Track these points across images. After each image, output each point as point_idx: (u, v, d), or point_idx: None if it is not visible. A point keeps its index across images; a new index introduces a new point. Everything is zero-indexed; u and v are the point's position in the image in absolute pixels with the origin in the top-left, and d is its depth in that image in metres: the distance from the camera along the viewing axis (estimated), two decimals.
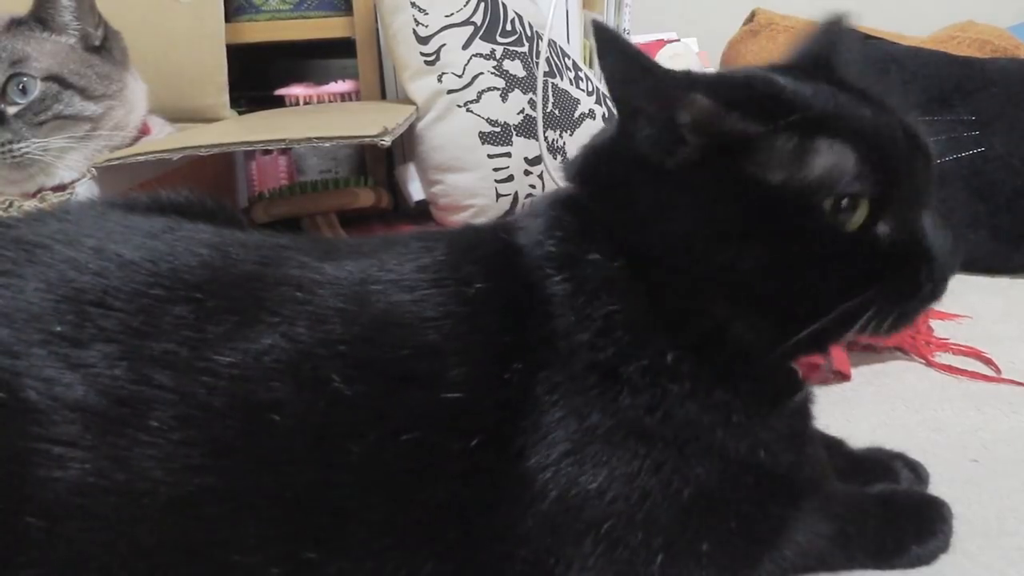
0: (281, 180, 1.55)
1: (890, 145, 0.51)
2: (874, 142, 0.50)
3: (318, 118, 1.32)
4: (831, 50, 0.58)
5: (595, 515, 0.50)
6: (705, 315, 0.52)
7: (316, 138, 0.98)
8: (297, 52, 1.71)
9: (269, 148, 1.29)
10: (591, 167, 0.58)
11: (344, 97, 1.57)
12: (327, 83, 1.58)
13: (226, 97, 1.35)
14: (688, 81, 0.51)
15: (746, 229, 0.50)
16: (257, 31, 1.50)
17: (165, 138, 1.13)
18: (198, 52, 1.34)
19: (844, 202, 0.50)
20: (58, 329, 0.47)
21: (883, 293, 0.50)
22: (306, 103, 1.55)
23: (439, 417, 0.49)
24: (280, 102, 1.57)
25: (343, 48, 1.55)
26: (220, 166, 1.38)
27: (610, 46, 0.51)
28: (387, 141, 0.98)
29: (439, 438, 0.49)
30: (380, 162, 1.61)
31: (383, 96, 1.53)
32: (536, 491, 0.50)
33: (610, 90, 0.53)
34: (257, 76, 1.66)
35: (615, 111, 0.54)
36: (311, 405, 0.47)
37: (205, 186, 0.68)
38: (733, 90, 0.51)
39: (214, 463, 0.46)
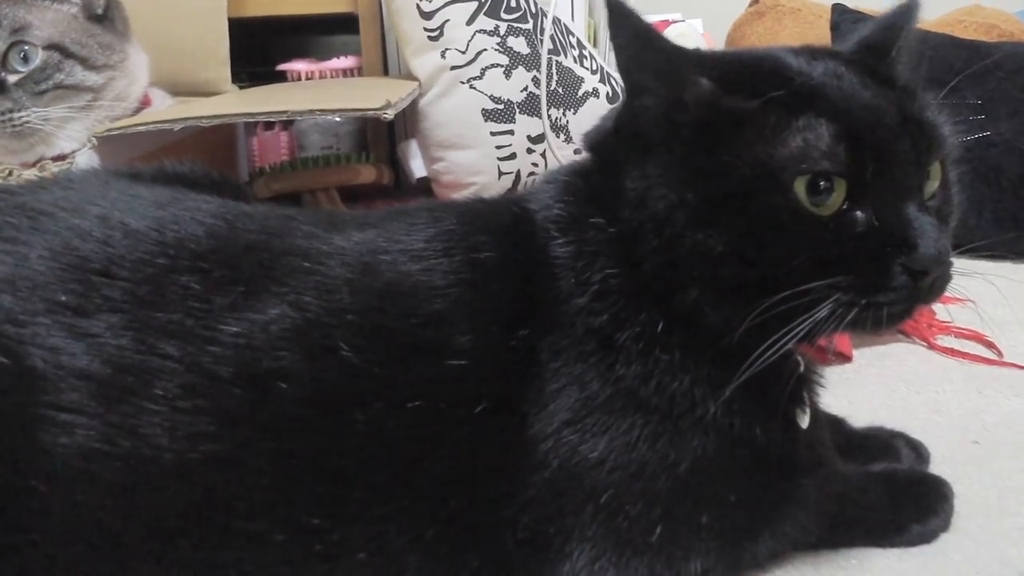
0: (282, 156, 1.55)
1: (877, 128, 0.49)
2: (859, 124, 0.48)
3: (320, 92, 1.31)
4: (894, 37, 0.55)
5: (595, 485, 0.50)
6: (680, 294, 0.51)
7: (318, 110, 0.97)
8: (299, 27, 1.70)
9: (271, 120, 1.28)
10: (601, 138, 0.58)
11: (346, 73, 1.56)
12: (329, 59, 1.57)
13: (227, 71, 1.34)
14: (695, 61, 0.51)
15: (720, 212, 0.49)
16: (260, 5, 1.49)
17: (166, 109, 1.12)
18: (200, 25, 1.32)
19: (822, 184, 0.48)
20: (63, 299, 0.47)
21: (849, 281, 0.48)
22: (308, 79, 1.54)
23: (445, 385, 0.49)
24: (282, 77, 1.56)
25: (346, 24, 1.54)
26: (221, 140, 1.37)
27: (623, 22, 0.51)
28: (390, 114, 0.97)
29: (444, 405, 0.49)
30: (382, 139, 1.60)
31: (386, 72, 1.52)
32: (538, 460, 0.50)
33: (619, 65, 0.53)
34: (259, 51, 1.65)
35: (623, 86, 0.54)
36: (318, 373, 0.47)
37: (206, 160, 0.67)
38: (734, 72, 0.51)
39: (220, 431, 0.46)
